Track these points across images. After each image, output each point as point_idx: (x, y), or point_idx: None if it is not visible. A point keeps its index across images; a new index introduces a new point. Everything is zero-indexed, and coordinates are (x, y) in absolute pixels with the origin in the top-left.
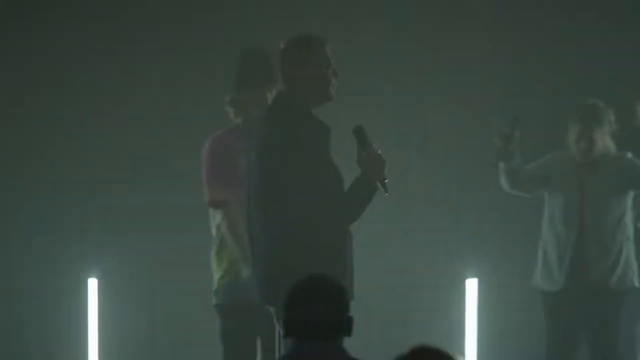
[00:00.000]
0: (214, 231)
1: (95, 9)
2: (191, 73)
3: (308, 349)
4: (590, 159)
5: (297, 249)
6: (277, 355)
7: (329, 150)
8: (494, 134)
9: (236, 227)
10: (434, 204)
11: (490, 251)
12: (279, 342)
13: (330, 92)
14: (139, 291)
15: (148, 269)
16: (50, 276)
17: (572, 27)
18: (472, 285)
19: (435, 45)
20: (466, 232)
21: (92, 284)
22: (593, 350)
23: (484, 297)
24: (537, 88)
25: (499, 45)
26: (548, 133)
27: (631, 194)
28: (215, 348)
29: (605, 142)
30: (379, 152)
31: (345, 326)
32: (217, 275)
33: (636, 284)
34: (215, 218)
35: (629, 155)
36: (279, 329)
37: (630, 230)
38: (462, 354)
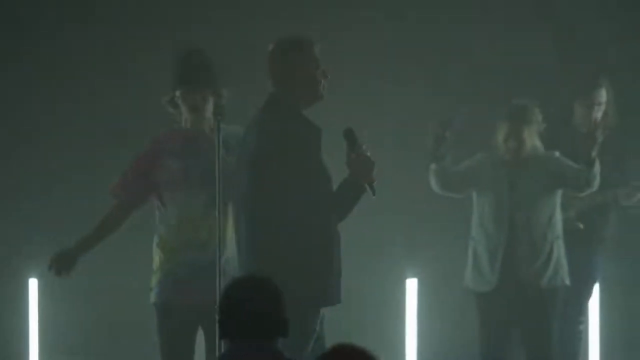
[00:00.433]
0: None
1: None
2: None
3: (244, 349)
4: (519, 158)
5: (284, 249)
6: (216, 355)
7: (320, 151)
8: (427, 135)
9: (119, 223)
10: (374, 204)
11: (430, 251)
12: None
13: (320, 92)
14: (80, 290)
15: (89, 268)
16: None
17: (508, 28)
18: (412, 285)
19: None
20: (406, 233)
21: (33, 284)
22: (527, 349)
23: (423, 296)
24: (472, 89)
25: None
26: (479, 133)
27: (559, 193)
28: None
29: (533, 141)
30: (368, 154)
31: (281, 327)
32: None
33: (567, 282)
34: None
35: (557, 154)
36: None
37: (560, 228)
38: (403, 353)
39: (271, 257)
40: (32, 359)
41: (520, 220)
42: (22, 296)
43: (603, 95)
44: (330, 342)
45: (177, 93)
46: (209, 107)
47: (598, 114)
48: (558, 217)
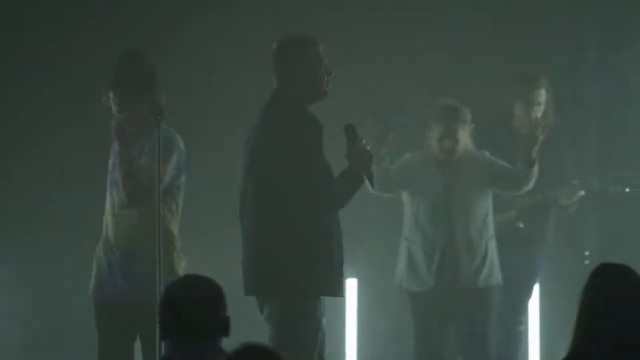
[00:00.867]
0: None
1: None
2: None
3: (185, 350)
4: (454, 158)
5: (286, 242)
6: (157, 357)
7: (321, 147)
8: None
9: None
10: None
11: (368, 251)
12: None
13: (323, 89)
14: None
15: (29, 268)
16: None
17: (448, 27)
18: (351, 285)
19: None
20: (345, 233)
21: None
22: (464, 349)
23: (363, 296)
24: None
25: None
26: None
27: (491, 193)
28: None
29: (467, 141)
30: (368, 148)
31: (222, 326)
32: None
33: (501, 282)
34: None
35: (487, 154)
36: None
37: (493, 228)
38: (343, 352)
39: (274, 250)
40: None
41: (458, 221)
42: None
43: (542, 95)
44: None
45: (110, 94)
46: (140, 110)
47: (538, 114)
48: (491, 217)
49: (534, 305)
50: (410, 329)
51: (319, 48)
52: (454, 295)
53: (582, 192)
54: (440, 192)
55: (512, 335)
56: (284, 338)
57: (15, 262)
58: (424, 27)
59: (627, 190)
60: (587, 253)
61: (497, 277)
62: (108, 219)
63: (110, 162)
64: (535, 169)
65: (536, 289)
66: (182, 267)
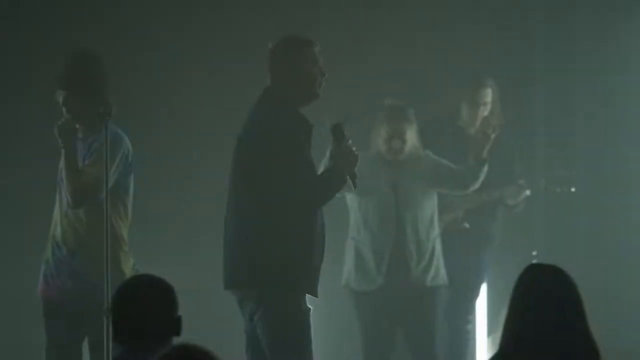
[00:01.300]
0: None
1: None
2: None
3: (137, 350)
4: (401, 158)
5: (261, 235)
6: (105, 357)
7: (309, 147)
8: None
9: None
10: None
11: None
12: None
13: (316, 90)
14: None
15: None
16: None
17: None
18: None
19: None
20: None
21: None
22: (411, 348)
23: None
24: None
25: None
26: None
27: (436, 193)
28: None
29: (414, 141)
30: (354, 149)
31: (174, 326)
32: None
33: (447, 281)
34: None
35: (431, 154)
36: (109, 330)
37: (438, 227)
38: None
39: (259, 247)
40: None
41: (407, 220)
42: None
43: (488, 95)
44: (227, 340)
45: (61, 93)
46: (87, 110)
47: (484, 113)
48: (437, 216)
49: (481, 304)
50: (357, 330)
51: (315, 49)
52: (403, 294)
53: (528, 192)
54: (388, 192)
55: (460, 334)
56: (275, 329)
57: None
58: (373, 27)
59: (573, 190)
60: (534, 253)
61: (444, 276)
62: (57, 218)
63: (61, 162)
64: (485, 168)
65: (484, 288)
66: (130, 267)
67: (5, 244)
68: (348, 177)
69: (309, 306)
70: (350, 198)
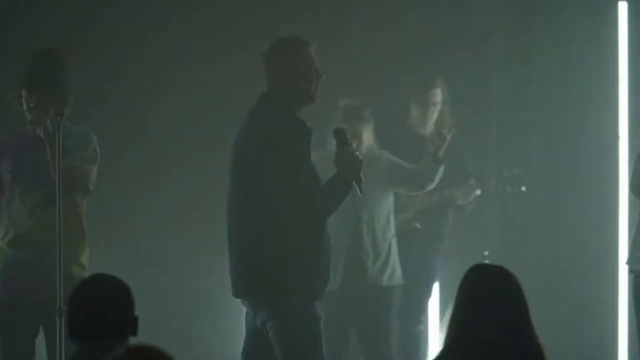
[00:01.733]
0: None
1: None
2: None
3: (93, 350)
4: None
5: (271, 244)
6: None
7: (309, 151)
8: None
9: None
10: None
11: None
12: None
13: (312, 93)
14: None
15: None
16: None
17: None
18: None
19: None
20: None
21: None
22: (365, 349)
23: None
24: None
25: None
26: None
27: (392, 192)
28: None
29: (370, 141)
30: (357, 153)
31: (130, 326)
32: None
33: (402, 280)
34: None
35: (387, 153)
36: (62, 330)
37: (394, 227)
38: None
39: (268, 256)
40: None
41: (364, 220)
42: None
43: (438, 95)
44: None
45: (23, 93)
46: (50, 109)
47: (434, 114)
48: (392, 215)
49: (433, 304)
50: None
51: (310, 50)
52: (359, 294)
53: (479, 192)
54: None
55: (412, 334)
56: (287, 338)
57: None
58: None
59: (524, 189)
60: (486, 253)
61: (399, 276)
62: (19, 217)
63: (20, 162)
64: (442, 168)
65: (436, 288)
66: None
67: None
68: (354, 182)
69: (321, 313)
70: None
